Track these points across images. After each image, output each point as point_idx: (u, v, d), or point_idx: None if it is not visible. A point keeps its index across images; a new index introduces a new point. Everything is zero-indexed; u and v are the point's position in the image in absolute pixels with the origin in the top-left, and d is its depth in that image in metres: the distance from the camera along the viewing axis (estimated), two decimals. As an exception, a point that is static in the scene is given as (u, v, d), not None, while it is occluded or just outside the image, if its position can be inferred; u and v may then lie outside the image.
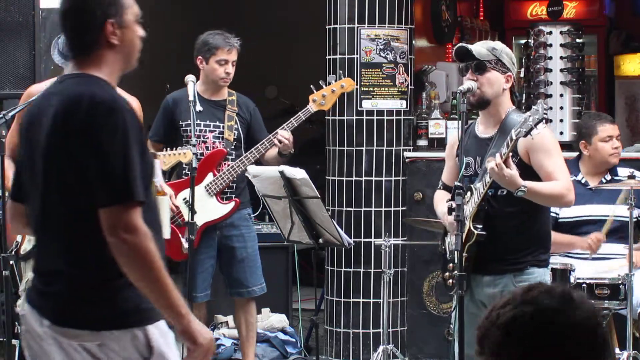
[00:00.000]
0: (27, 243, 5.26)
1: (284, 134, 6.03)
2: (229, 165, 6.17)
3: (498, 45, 4.80)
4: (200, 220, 6.08)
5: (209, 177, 6.17)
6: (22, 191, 3.29)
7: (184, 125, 6.21)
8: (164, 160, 5.30)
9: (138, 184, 3.01)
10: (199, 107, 6.11)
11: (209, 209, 6.16)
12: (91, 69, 3.16)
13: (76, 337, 3.08)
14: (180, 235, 6.10)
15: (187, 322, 3.09)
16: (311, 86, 6.13)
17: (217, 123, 6.22)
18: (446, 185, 4.97)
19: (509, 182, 4.49)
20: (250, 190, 6.30)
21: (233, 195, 6.23)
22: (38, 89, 5.22)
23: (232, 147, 6.22)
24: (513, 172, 4.48)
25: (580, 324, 2.00)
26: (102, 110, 3.03)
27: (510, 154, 4.51)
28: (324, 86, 6.16)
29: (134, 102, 5.39)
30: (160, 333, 3.16)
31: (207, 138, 6.21)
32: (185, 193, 6.14)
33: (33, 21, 5.85)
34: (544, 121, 4.45)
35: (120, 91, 5.33)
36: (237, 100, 6.32)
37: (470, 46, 4.75)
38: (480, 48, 4.73)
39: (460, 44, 4.93)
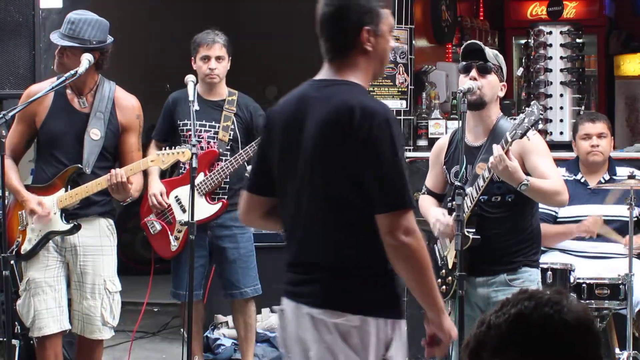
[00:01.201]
0: (27, 243, 5.26)
1: None
2: (220, 165, 6.17)
3: (499, 54, 4.86)
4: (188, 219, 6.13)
5: (200, 177, 6.18)
6: (265, 185, 3.46)
7: (181, 125, 6.25)
8: (162, 159, 5.30)
9: (410, 190, 3.22)
10: (196, 107, 6.12)
11: (197, 208, 6.16)
12: (347, 73, 3.33)
13: (334, 317, 3.26)
14: (169, 233, 6.13)
15: (444, 318, 3.40)
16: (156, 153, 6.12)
17: (213, 123, 6.23)
18: (430, 191, 5.00)
19: (512, 173, 4.49)
20: None
21: (225, 196, 6.23)
22: (38, 88, 5.23)
23: (227, 147, 6.21)
24: (515, 163, 4.49)
25: (575, 321, 2.01)
26: (378, 121, 3.18)
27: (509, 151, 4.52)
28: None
29: (134, 100, 5.40)
30: (401, 333, 3.45)
31: (203, 138, 6.23)
32: (178, 191, 6.17)
33: (33, 21, 5.85)
34: (539, 123, 4.47)
35: (120, 90, 5.38)
36: (238, 100, 6.32)
37: (483, 46, 4.77)
38: (489, 51, 4.76)
39: (473, 41, 4.94)
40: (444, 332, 3.42)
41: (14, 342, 5.42)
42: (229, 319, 7.32)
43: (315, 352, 3.31)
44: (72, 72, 5.12)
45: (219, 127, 6.23)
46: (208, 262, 6.32)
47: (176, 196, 6.17)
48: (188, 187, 6.11)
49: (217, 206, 6.20)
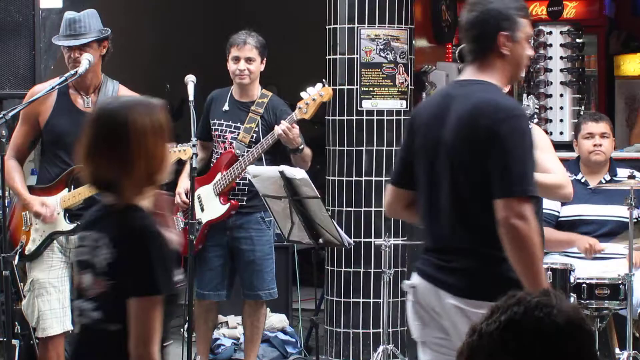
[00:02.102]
0: (31, 243, 5.26)
1: (277, 129, 6.00)
2: (235, 165, 6.18)
3: None
4: (205, 218, 6.19)
5: (217, 177, 6.20)
6: (409, 179, 3.75)
7: (211, 123, 6.31)
8: None
9: (532, 182, 3.49)
10: (225, 107, 6.24)
11: (212, 208, 6.19)
12: (485, 74, 3.66)
13: (480, 307, 3.37)
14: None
15: None
16: (301, 93, 6.11)
17: (238, 124, 6.25)
18: None
19: None
20: None
21: (244, 197, 6.21)
22: (41, 89, 5.23)
23: (247, 149, 6.20)
24: None
25: (566, 322, 2.01)
26: (509, 116, 3.51)
27: None
28: (310, 93, 6.10)
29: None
30: None
31: (226, 138, 6.26)
32: (200, 190, 6.20)
33: (33, 21, 5.85)
34: (535, 116, 4.48)
35: (123, 88, 5.39)
36: (268, 102, 6.30)
37: None
38: None
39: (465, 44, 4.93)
40: None
41: (14, 342, 5.42)
42: (229, 319, 7.32)
43: (458, 337, 3.49)
44: (73, 72, 5.13)
45: (242, 128, 6.24)
46: (229, 262, 6.31)
47: (198, 195, 6.18)
48: (209, 186, 6.16)
49: (225, 207, 6.20)
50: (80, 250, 3.19)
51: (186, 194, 6.13)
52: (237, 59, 6.22)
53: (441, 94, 3.82)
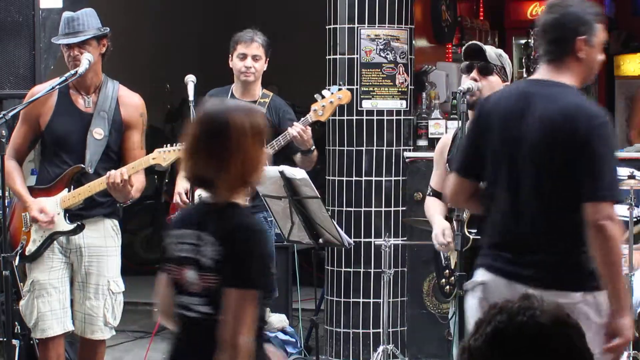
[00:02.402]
0: (32, 244, 5.24)
1: (292, 130, 6.00)
2: None
3: (503, 53, 4.85)
4: None
5: None
6: (475, 170, 3.84)
7: None
8: (163, 157, 5.30)
9: (618, 186, 3.72)
10: None
11: None
12: (562, 76, 3.75)
13: (558, 297, 3.49)
14: None
15: (622, 315, 3.61)
16: (315, 95, 6.11)
17: None
18: (435, 192, 4.99)
19: None
20: None
21: (247, 197, 6.21)
22: (40, 89, 5.23)
23: None
24: None
25: (550, 321, 2.02)
26: (598, 122, 3.64)
27: None
28: (325, 96, 6.11)
29: (137, 99, 5.40)
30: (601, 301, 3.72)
31: None
32: (201, 190, 6.16)
33: (33, 21, 5.85)
34: None
35: (123, 88, 5.38)
36: (270, 102, 6.29)
37: (484, 46, 4.76)
38: (490, 51, 4.75)
39: (473, 42, 4.93)
40: (619, 330, 3.61)
41: (14, 342, 5.41)
42: (229, 319, 7.32)
43: None
44: (73, 71, 5.12)
45: None
46: None
47: (199, 194, 6.18)
48: None
49: None
50: (181, 247, 3.30)
51: (186, 194, 6.13)
52: (244, 56, 6.19)
53: (517, 91, 3.89)
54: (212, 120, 3.27)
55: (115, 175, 5.06)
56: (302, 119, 6.05)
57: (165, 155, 5.28)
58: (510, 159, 3.72)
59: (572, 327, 2.04)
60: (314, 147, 6.07)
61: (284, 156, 6.18)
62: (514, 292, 3.59)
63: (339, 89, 6.13)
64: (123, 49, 9.93)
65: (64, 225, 5.21)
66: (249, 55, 6.18)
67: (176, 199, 6.19)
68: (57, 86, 5.11)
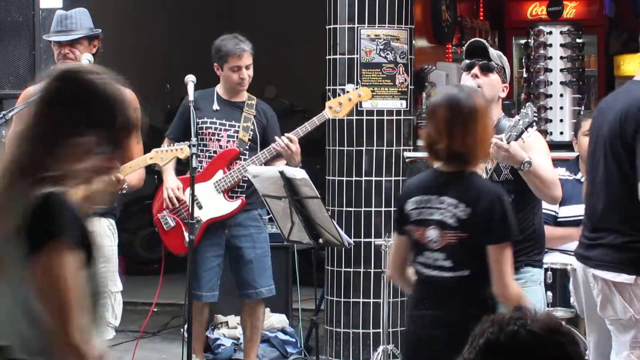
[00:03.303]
0: None
1: (283, 140, 6.02)
2: (239, 164, 6.19)
3: (502, 55, 4.84)
4: (205, 216, 6.14)
5: (219, 174, 6.20)
6: None
7: (200, 123, 6.24)
8: (161, 156, 5.31)
9: None
10: (216, 107, 6.22)
11: (215, 205, 6.18)
12: None
13: (619, 277, 4.13)
14: (183, 229, 6.11)
15: None
16: (328, 93, 6.13)
17: (233, 122, 6.25)
18: None
19: (514, 154, 4.40)
20: None
21: (243, 195, 6.24)
22: (35, 90, 5.22)
23: (247, 147, 6.23)
24: (513, 145, 4.45)
25: (541, 329, 2.03)
26: None
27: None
28: (341, 94, 6.15)
29: (128, 94, 5.39)
30: None
31: (222, 136, 6.25)
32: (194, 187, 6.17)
33: (33, 21, 5.86)
34: (534, 124, 4.46)
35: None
36: (257, 105, 6.36)
37: (488, 45, 4.76)
38: (493, 50, 4.75)
39: (477, 39, 4.92)
40: None
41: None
42: (229, 318, 7.32)
43: (598, 304, 4.26)
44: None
45: (239, 126, 6.25)
46: (223, 262, 6.32)
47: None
48: (206, 184, 6.16)
49: (235, 203, 6.20)
50: (422, 210, 3.82)
51: (178, 189, 6.14)
52: (238, 69, 6.21)
53: (618, 90, 4.50)
54: (463, 104, 3.79)
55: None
56: (318, 115, 6.09)
57: (162, 155, 5.30)
58: (594, 146, 4.23)
59: (564, 336, 2.05)
60: (300, 164, 6.06)
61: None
62: (588, 276, 4.24)
63: (356, 87, 6.20)
64: (123, 49, 9.96)
65: None
66: (243, 67, 6.22)
67: (168, 193, 6.15)
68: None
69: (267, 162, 6.13)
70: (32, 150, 2.64)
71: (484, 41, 4.83)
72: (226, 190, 6.20)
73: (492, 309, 3.67)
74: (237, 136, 6.25)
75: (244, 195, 6.24)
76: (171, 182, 6.18)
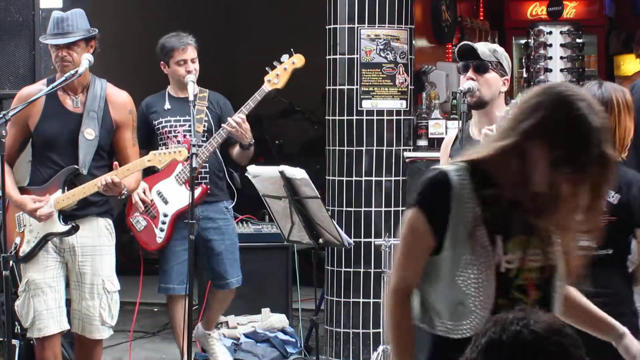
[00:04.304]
0: (26, 245, 5.25)
1: (234, 119, 6.14)
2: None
3: (498, 48, 4.82)
4: (172, 209, 6.30)
5: (179, 168, 6.32)
6: None
7: (156, 125, 6.39)
8: (159, 159, 5.32)
9: None
10: (167, 105, 6.38)
11: (179, 197, 6.29)
12: None
13: None
14: (154, 226, 6.28)
15: None
16: (266, 68, 6.21)
17: (187, 117, 6.30)
18: None
19: None
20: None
21: (203, 182, 6.32)
22: (30, 91, 5.22)
23: (203, 138, 6.32)
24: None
25: (544, 330, 2.02)
26: None
27: None
28: (277, 66, 6.25)
29: (125, 96, 5.40)
30: None
31: (178, 132, 6.36)
32: (159, 186, 6.35)
33: (33, 21, 5.86)
34: None
35: (111, 86, 5.37)
36: (208, 96, 6.48)
37: (475, 45, 4.75)
38: (483, 48, 4.73)
39: (465, 42, 4.92)
40: None
41: (14, 342, 5.41)
42: (229, 318, 7.33)
43: None
44: (73, 71, 5.11)
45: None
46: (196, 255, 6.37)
47: (157, 190, 6.34)
48: (168, 180, 6.33)
49: (196, 191, 6.23)
50: None
51: (144, 192, 6.28)
52: (184, 62, 6.31)
53: None
54: (610, 98, 3.99)
55: (106, 180, 5.10)
56: (258, 90, 6.20)
57: (160, 158, 5.31)
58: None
59: (567, 337, 2.04)
60: (252, 141, 6.27)
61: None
62: None
63: (290, 55, 6.27)
64: (123, 49, 9.96)
65: (59, 226, 5.21)
66: (188, 60, 6.32)
67: (135, 198, 6.28)
68: (58, 86, 5.11)
69: (226, 148, 6.32)
70: None
71: (471, 43, 4.81)
72: (187, 181, 6.25)
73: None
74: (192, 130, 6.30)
75: (204, 183, 6.32)
76: (138, 186, 6.22)
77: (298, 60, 6.32)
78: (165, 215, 6.29)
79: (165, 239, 6.32)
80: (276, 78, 6.23)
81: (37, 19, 5.88)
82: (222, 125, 6.22)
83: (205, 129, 6.36)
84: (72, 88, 5.24)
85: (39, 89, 5.21)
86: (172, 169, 6.27)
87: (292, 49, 6.37)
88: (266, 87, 6.22)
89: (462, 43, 4.92)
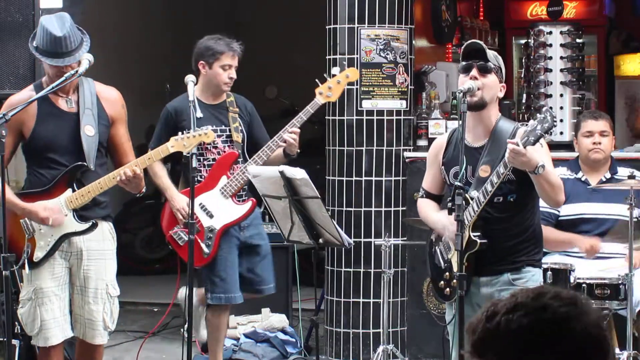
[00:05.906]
0: (39, 250, 5.14)
1: (290, 135, 6.04)
2: (239, 167, 6.18)
3: (497, 54, 4.85)
4: (219, 223, 6.16)
5: (223, 180, 6.17)
6: None
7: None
8: (183, 143, 5.18)
9: None
10: (199, 114, 6.07)
11: (227, 211, 6.17)
12: None
13: None
14: (200, 241, 6.09)
15: None
16: (316, 80, 6.13)
17: (223, 127, 6.22)
18: (429, 193, 4.99)
19: (530, 158, 4.47)
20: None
21: (248, 196, 6.25)
22: (18, 99, 5.17)
23: (242, 148, 6.23)
24: (530, 150, 4.48)
25: (591, 328, 1.99)
26: None
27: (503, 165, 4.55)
28: (328, 79, 6.16)
29: (115, 92, 5.38)
30: None
31: (217, 143, 6.19)
32: (201, 198, 6.14)
33: (33, 21, 5.84)
34: (553, 130, 4.49)
35: (99, 84, 5.35)
36: (236, 101, 6.33)
37: (485, 46, 4.77)
38: (489, 51, 4.76)
39: (474, 40, 4.93)
40: None
41: (14, 342, 5.40)
42: (230, 318, 7.32)
43: None
44: (73, 71, 5.09)
45: (230, 129, 6.24)
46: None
47: (200, 203, 6.15)
48: (212, 192, 6.16)
49: (246, 206, 6.21)
50: None
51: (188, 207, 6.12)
52: (229, 67, 6.19)
53: None
54: None
55: (126, 172, 5.05)
56: (311, 103, 6.09)
57: (185, 142, 5.16)
58: None
59: (606, 339, 2.00)
60: (299, 150, 6.15)
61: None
62: None
63: (343, 69, 6.21)
64: (123, 49, 9.96)
65: (76, 225, 5.15)
66: (233, 67, 6.21)
67: (181, 214, 6.13)
68: (57, 87, 5.09)
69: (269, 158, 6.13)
70: None
71: (482, 43, 4.83)
72: (233, 194, 6.20)
73: None
74: (231, 139, 6.24)
75: (249, 197, 6.25)
76: (179, 202, 6.17)
77: (352, 74, 6.24)
78: (211, 230, 6.12)
79: (213, 252, 6.17)
80: (329, 91, 6.11)
81: (37, 19, 5.87)
82: (275, 138, 6.06)
83: (242, 138, 6.24)
84: (63, 89, 5.19)
85: (28, 95, 5.17)
86: (215, 181, 6.17)
87: (344, 62, 6.31)
88: (319, 100, 6.10)
89: (471, 41, 4.93)
